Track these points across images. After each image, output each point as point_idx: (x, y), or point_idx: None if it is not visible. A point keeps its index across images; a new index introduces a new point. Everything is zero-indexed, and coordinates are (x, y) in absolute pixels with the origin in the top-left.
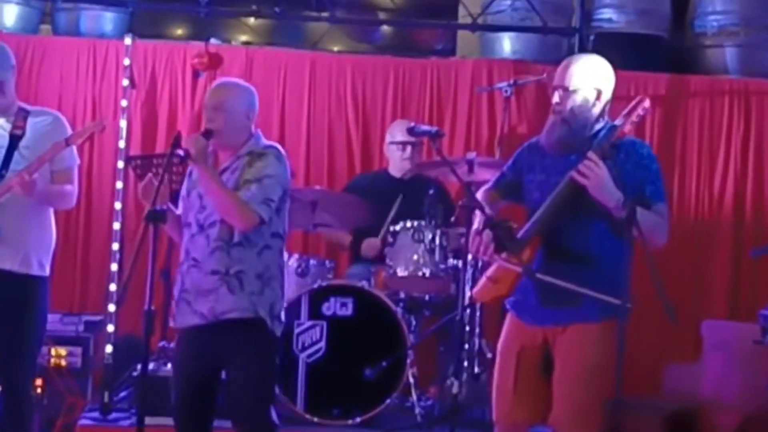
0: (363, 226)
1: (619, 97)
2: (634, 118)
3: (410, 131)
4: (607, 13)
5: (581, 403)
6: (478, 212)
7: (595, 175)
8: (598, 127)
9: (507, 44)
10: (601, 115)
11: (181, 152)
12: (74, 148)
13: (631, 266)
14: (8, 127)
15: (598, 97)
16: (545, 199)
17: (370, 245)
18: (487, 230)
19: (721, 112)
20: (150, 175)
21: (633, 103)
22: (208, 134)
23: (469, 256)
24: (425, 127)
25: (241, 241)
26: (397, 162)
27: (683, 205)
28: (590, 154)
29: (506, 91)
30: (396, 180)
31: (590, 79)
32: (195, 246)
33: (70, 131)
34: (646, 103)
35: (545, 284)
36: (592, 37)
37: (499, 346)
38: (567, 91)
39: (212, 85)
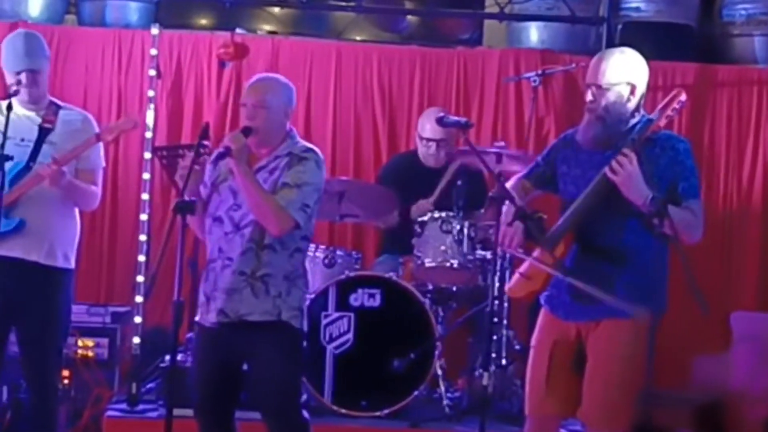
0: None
1: (649, 88)
2: (669, 111)
3: (439, 121)
4: (635, 2)
5: (612, 398)
6: (507, 203)
7: (625, 171)
8: (633, 121)
9: (534, 34)
10: (637, 109)
11: (222, 149)
12: (102, 150)
13: (667, 263)
14: (38, 120)
15: (632, 92)
16: (580, 194)
17: (420, 207)
18: (517, 222)
19: (749, 101)
20: (185, 160)
21: (669, 96)
22: (247, 132)
23: (498, 248)
24: (454, 118)
25: (272, 244)
26: (428, 156)
27: (711, 195)
28: (625, 150)
29: (534, 81)
30: (423, 166)
31: (623, 74)
32: (231, 245)
33: (97, 131)
34: (682, 97)
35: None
36: (620, 27)
37: (532, 340)
38: (600, 89)
39: (252, 80)
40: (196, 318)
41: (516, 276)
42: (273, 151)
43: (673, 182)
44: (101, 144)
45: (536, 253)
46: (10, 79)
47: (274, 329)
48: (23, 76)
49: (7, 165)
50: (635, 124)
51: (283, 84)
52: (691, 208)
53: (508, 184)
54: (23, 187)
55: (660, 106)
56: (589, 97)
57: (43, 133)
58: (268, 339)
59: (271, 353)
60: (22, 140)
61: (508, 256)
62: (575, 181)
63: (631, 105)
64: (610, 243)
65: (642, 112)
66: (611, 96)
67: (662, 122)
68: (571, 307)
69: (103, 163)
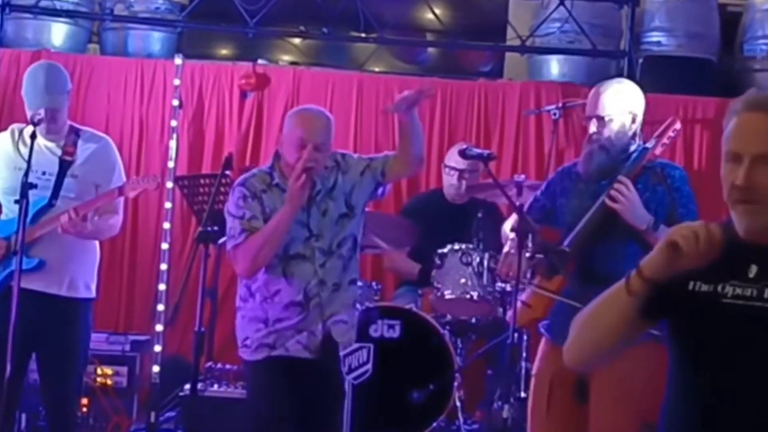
0: (424, 251)
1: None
2: (665, 140)
3: (462, 153)
4: (656, 37)
5: (618, 427)
6: (511, 234)
7: (626, 198)
8: (631, 149)
9: (555, 67)
10: (633, 137)
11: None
12: (123, 175)
13: None
14: (58, 151)
15: (633, 121)
16: (578, 224)
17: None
18: (539, 255)
19: None
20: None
21: (664, 125)
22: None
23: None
24: (477, 150)
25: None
26: (449, 185)
27: None
28: (621, 177)
29: (554, 114)
30: (448, 203)
31: (623, 104)
32: (330, 272)
33: (118, 155)
34: (677, 125)
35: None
36: (640, 60)
37: (533, 369)
38: (602, 120)
39: (309, 115)
40: (268, 355)
41: (518, 304)
42: None
43: (671, 209)
44: (121, 168)
45: (536, 281)
46: (27, 110)
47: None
48: (42, 113)
49: (30, 197)
50: (632, 153)
51: (333, 121)
52: None
53: (509, 221)
54: (43, 228)
55: (656, 134)
56: (592, 128)
57: (64, 166)
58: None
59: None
60: (44, 173)
61: (507, 279)
62: (573, 211)
63: (631, 134)
64: (610, 270)
65: (638, 141)
66: (614, 126)
67: (658, 150)
68: None
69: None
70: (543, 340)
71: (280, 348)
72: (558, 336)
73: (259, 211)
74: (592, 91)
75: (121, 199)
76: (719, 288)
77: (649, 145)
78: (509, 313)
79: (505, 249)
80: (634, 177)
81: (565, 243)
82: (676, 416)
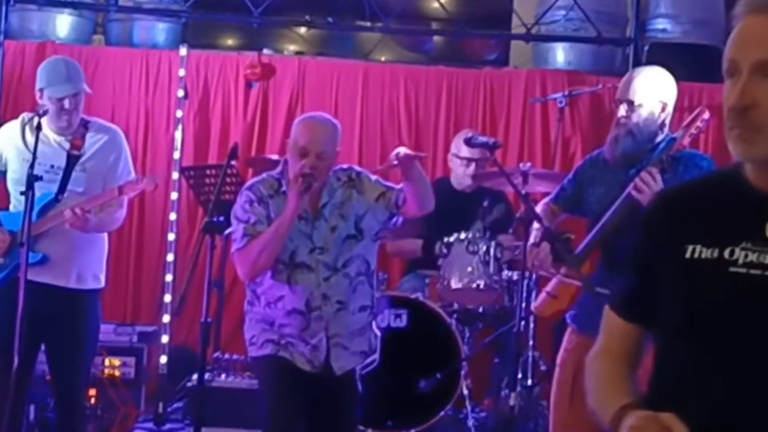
0: (431, 240)
1: (674, 108)
2: (693, 130)
3: (467, 142)
4: (661, 24)
5: None
6: (535, 224)
7: (650, 189)
8: (658, 139)
9: (560, 54)
10: (662, 127)
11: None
12: (130, 164)
13: None
14: (67, 145)
15: (663, 110)
16: (605, 213)
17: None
18: (545, 243)
19: None
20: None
21: (692, 115)
22: (309, 179)
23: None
24: (483, 138)
25: (374, 268)
26: (458, 175)
27: None
28: (648, 168)
29: (560, 102)
30: (456, 191)
31: (655, 92)
32: (334, 289)
33: (126, 147)
34: (706, 115)
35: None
36: (646, 48)
37: (558, 358)
38: (632, 105)
39: (312, 123)
40: (275, 353)
41: (542, 295)
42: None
43: None
44: (129, 158)
45: (563, 271)
46: (48, 101)
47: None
48: (67, 102)
49: (37, 192)
50: (659, 143)
51: (338, 128)
52: None
53: (536, 209)
54: (48, 222)
55: (684, 124)
56: (621, 112)
57: (72, 161)
58: (354, 375)
59: (354, 388)
60: (52, 167)
61: (534, 276)
62: (600, 200)
63: (659, 123)
64: None
65: (666, 131)
66: (643, 112)
67: (686, 141)
68: (598, 325)
69: (133, 176)
70: (568, 330)
71: (285, 352)
72: (583, 326)
73: (264, 216)
74: (627, 75)
75: None
76: (726, 253)
77: (676, 135)
78: (535, 302)
79: (530, 241)
80: (662, 167)
81: (591, 233)
82: (669, 408)
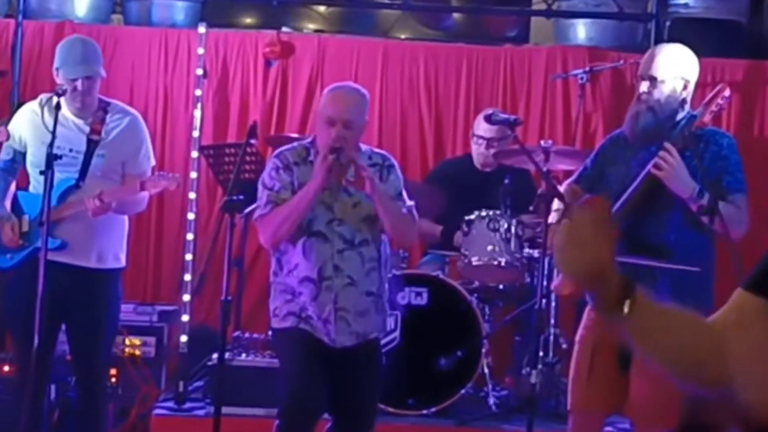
0: (444, 216)
1: (697, 85)
2: (713, 107)
3: (488, 119)
4: None
5: (659, 394)
6: (554, 205)
7: (670, 166)
8: (679, 116)
9: (581, 31)
10: (683, 104)
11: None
12: (150, 151)
13: (714, 260)
14: (86, 129)
15: (684, 87)
16: (625, 191)
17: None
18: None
19: None
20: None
21: (713, 92)
22: (338, 153)
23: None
24: (504, 116)
25: (386, 259)
26: (478, 154)
27: (762, 191)
28: (666, 145)
29: (581, 78)
30: (477, 170)
31: (677, 69)
32: (350, 264)
33: (146, 132)
34: (726, 92)
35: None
36: (668, 23)
37: (577, 336)
38: (654, 81)
39: (340, 93)
40: (296, 325)
41: (561, 274)
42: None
43: (717, 177)
44: (149, 144)
45: None
46: (63, 81)
47: (379, 344)
48: (80, 83)
49: (56, 177)
50: (680, 120)
51: (367, 98)
52: (735, 202)
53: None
54: (69, 209)
55: (704, 101)
56: (643, 87)
57: (92, 146)
58: (374, 355)
59: (374, 368)
60: (71, 150)
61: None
62: (621, 179)
63: (681, 100)
64: (654, 239)
65: (687, 108)
66: (665, 89)
67: (707, 118)
68: None
69: (153, 163)
70: (587, 308)
71: (306, 325)
72: None
73: (288, 183)
74: (649, 51)
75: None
76: None
77: (697, 113)
78: (554, 282)
79: (551, 220)
80: (682, 145)
81: (612, 211)
82: None
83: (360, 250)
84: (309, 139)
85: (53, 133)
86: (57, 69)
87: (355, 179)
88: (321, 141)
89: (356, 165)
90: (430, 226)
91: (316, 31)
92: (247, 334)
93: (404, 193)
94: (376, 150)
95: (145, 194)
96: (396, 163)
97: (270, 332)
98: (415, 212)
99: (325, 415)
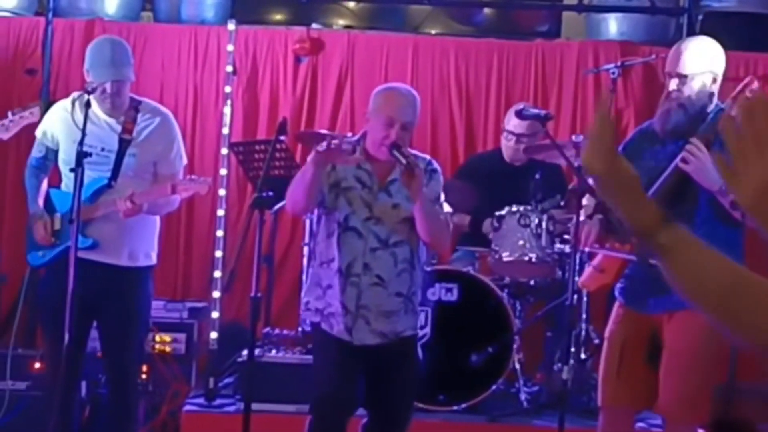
0: (482, 213)
1: (729, 78)
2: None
3: (519, 114)
4: None
5: (690, 390)
6: (587, 198)
7: (697, 159)
8: (708, 110)
9: (613, 25)
10: (711, 97)
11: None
12: (182, 150)
13: (741, 253)
14: (118, 128)
15: (713, 81)
16: (653, 185)
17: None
18: (594, 218)
19: None
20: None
21: (741, 85)
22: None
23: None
24: (534, 110)
25: (421, 262)
26: (508, 149)
27: None
28: (693, 139)
29: (613, 73)
30: (507, 164)
31: (705, 63)
32: (378, 262)
33: (178, 131)
34: (754, 85)
35: (655, 271)
36: (700, 17)
37: (606, 332)
38: (683, 78)
39: (397, 94)
40: (322, 326)
41: (589, 269)
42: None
43: None
44: (181, 143)
45: (609, 244)
46: (92, 81)
47: (415, 340)
48: (108, 86)
49: (87, 176)
50: (708, 114)
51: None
52: None
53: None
54: (100, 209)
55: (732, 94)
56: (671, 86)
57: (123, 145)
58: (409, 352)
59: (410, 365)
60: (103, 149)
61: (587, 249)
62: (648, 172)
63: (709, 94)
64: None
65: (716, 101)
66: (695, 85)
67: (734, 111)
68: (646, 298)
69: (185, 161)
70: (616, 304)
71: (326, 324)
72: (631, 299)
73: (328, 168)
74: (675, 47)
75: (182, 175)
76: None
77: (724, 106)
78: (581, 277)
79: (581, 218)
80: (710, 138)
81: None
82: None
83: (393, 250)
84: (356, 138)
85: (83, 130)
86: (87, 70)
87: (404, 174)
88: (373, 138)
89: (412, 162)
90: (459, 217)
91: (346, 27)
92: (276, 331)
93: (442, 198)
94: (419, 153)
95: (177, 196)
96: (439, 168)
97: (299, 329)
98: (450, 220)
99: (362, 411)
